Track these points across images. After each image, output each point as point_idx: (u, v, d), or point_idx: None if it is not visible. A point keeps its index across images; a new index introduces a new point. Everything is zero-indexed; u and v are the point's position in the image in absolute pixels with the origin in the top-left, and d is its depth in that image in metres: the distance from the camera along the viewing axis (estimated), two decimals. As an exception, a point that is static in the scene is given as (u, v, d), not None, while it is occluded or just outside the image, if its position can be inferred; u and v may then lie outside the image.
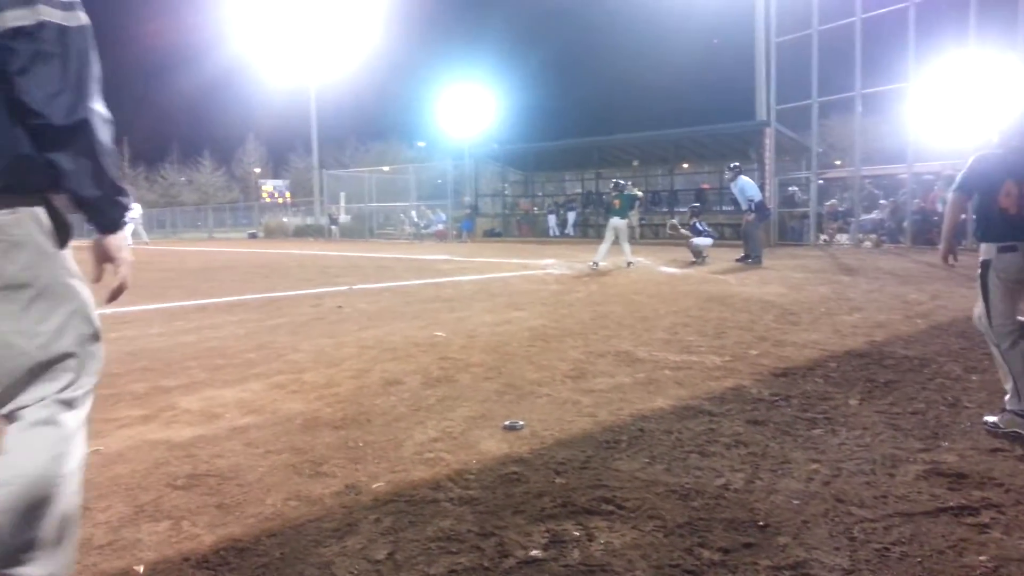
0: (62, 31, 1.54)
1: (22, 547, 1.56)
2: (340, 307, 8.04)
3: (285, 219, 42.50)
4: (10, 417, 1.61)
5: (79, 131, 1.57)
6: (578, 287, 9.88)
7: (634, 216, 25.37)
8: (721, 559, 2.07)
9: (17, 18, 1.49)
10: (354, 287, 10.41)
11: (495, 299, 8.59)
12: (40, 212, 1.62)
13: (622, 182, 13.94)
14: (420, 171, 36.17)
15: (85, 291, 1.71)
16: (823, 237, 20.32)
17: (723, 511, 2.39)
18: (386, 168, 40.83)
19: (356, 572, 2.03)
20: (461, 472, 2.81)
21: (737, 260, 13.44)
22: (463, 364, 4.81)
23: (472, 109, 37.36)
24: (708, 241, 13.98)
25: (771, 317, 6.64)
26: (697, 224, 14.24)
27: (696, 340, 5.53)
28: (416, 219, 31.74)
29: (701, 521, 2.31)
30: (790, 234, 21.10)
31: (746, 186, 14.12)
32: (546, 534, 2.23)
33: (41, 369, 1.62)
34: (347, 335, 6.11)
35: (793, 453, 2.96)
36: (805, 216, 21.13)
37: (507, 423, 3.42)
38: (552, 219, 29.89)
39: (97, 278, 1.75)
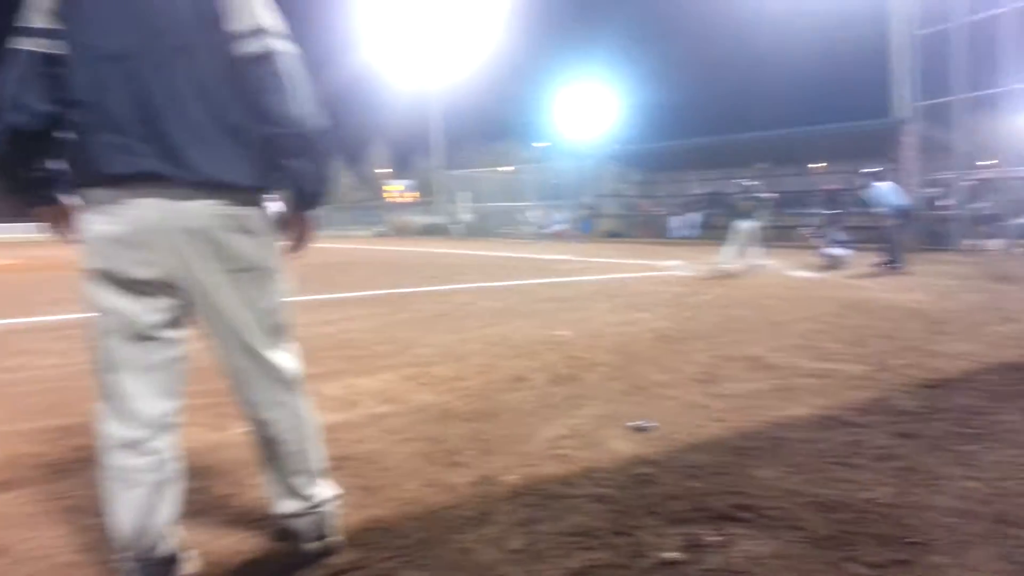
0: (288, 57, 1.85)
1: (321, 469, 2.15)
2: (464, 304, 8.23)
3: (409, 218, 43.86)
4: (254, 380, 1.96)
5: (310, 141, 1.86)
6: (703, 290, 9.66)
7: (762, 219, 24.50)
8: (871, 575, 1.97)
9: (254, 47, 1.80)
10: (477, 285, 10.63)
11: (616, 300, 8.54)
12: (268, 209, 1.95)
13: (751, 184, 13.52)
14: (539, 171, 36.43)
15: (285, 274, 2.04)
16: (971, 242, 18.88)
17: (871, 526, 2.28)
18: (506, 168, 41.35)
19: (494, 560, 2.08)
20: (591, 470, 2.82)
21: (875, 265, 12.71)
22: (588, 363, 4.82)
23: (592, 108, 37.25)
24: (846, 252, 13.23)
25: (916, 326, 6.24)
26: (833, 234, 13.46)
27: (834, 347, 5.28)
28: (535, 219, 31.96)
29: (847, 535, 2.21)
30: (934, 239, 19.72)
31: (883, 193, 13.33)
32: (682, 537, 2.20)
33: (262, 336, 1.94)
34: (472, 331, 6.25)
35: (946, 469, 2.78)
36: (950, 220, 19.71)
37: (636, 423, 3.39)
38: (675, 220, 29.28)
39: (287, 239, 2.03)
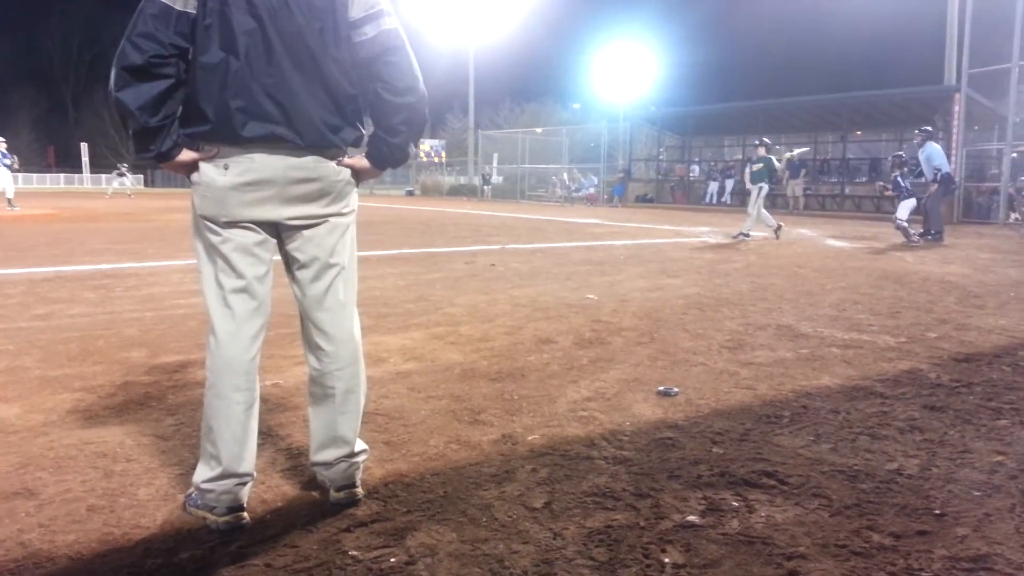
0: (399, 32, 2.02)
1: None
2: (493, 265, 8.24)
3: (440, 178, 43.78)
4: (318, 316, 2.16)
5: (421, 108, 2.07)
6: (735, 257, 9.55)
7: (798, 186, 24.08)
8: (892, 544, 1.96)
9: (373, 29, 1.99)
10: (507, 246, 10.62)
11: (647, 265, 8.48)
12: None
13: (763, 148, 13.30)
14: (573, 133, 36.08)
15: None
16: (1014, 216, 18.36)
17: (895, 496, 2.26)
18: (539, 130, 40.93)
19: (515, 517, 2.10)
20: (615, 432, 2.83)
21: (915, 236, 12.43)
22: (615, 328, 4.81)
23: (629, 70, 36.58)
24: (911, 204, 12.36)
25: (953, 299, 6.12)
26: (899, 178, 12.69)
27: (867, 318, 5.20)
28: (567, 182, 31.71)
29: (871, 504, 2.20)
30: (976, 211, 19.23)
31: (934, 154, 12.88)
32: (703, 501, 2.21)
33: (326, 276, 2.14)
34: (500, 292, 6.26)
35: (975, 443, 2.74)
36: (995, 192, 19.17)
37: (661, 388, 3.39)
38: (712, 186, 28.84)
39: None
